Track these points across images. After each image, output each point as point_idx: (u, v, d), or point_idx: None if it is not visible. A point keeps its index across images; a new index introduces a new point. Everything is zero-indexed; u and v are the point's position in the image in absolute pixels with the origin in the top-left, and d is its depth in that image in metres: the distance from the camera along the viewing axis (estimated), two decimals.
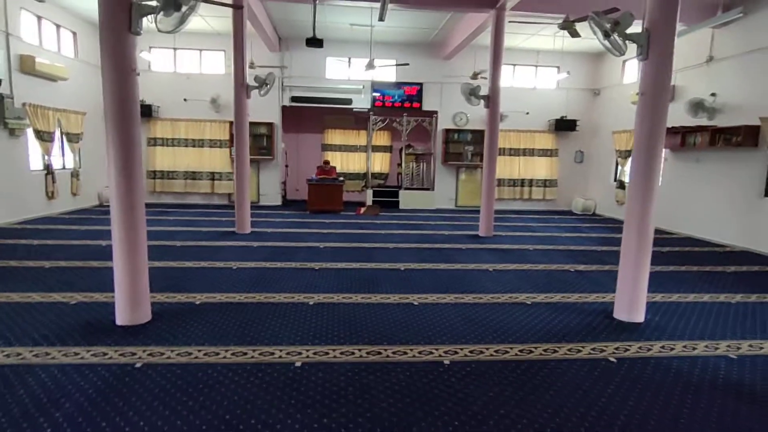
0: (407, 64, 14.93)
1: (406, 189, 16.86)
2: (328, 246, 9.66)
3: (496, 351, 4.73)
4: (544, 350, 4.79)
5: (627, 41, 5.61)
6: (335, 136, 18.34)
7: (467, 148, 16.74)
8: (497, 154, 11.45)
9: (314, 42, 11.67)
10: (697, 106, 11.50)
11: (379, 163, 18.42)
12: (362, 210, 15.23)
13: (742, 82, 10.73)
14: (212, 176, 16.18)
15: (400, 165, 17.34)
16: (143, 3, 4.94)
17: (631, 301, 5.72)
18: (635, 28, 5.46)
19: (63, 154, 13.52)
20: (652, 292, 6.71)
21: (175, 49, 15.57)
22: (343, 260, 8.45)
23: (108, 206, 5.15)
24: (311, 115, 17.68)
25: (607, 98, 16.23)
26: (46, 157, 12.33)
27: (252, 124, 12.73)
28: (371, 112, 16.42)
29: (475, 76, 15.12)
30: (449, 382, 4.05)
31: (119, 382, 3.90)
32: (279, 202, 16.62)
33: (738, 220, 10.78)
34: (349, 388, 3.92)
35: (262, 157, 16.07)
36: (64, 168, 13.50)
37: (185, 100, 15.59)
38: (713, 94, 11.42)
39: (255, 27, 12.53)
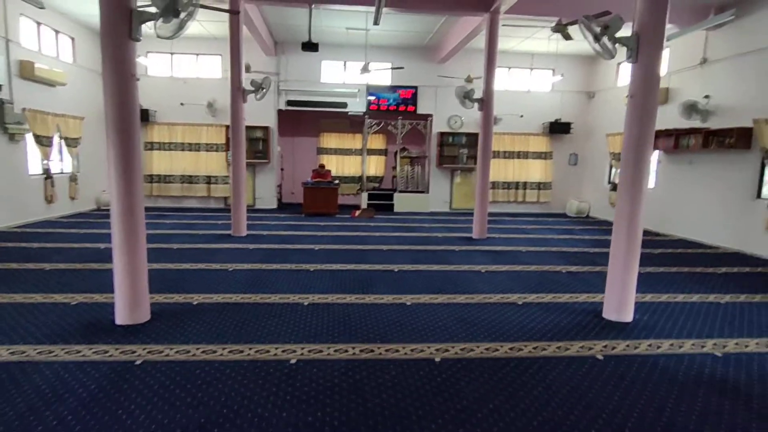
0: (402, 68, 15.07)
1: (401, 192, 16.97)
2: (323, 248, 9.77)
3: (486, 349, 4.85)
4: (534, 348, 4.91)
5: (617, 45, 5.73)
6: (331, 140, 18.46)
7: (462, 151, 16.86)
8: (491, 156, 11.55)
9: (310, 46, 11.79)
10: (691, 108, 11.63)
11: (374, 166, 18.52)
12: (357, 213, 15.33)
13: (735, 85, 10.87)
14: (208, 180, 16.28)
15: (395, 168, 17.45)
16: (143, 10, 5.05)
17: (620, 301, 5.84)
18: (625, 31, 5.58)
19: (62, 159, 13.59)
20: (642, 292, 6.88)
21: (171, 53, 15.68)
22: (337, 262, 8.57)
23: (106, 210, 5.28)
24: (307, 118, 17.78)
25: (601, 101, 16.37)
26: (45, 162, 12.41)
27: (248, 127, 12.91)
28: (366, 116, 16.53)
29: (469, 79, 15.22)
30: (440, 379, 4.17)
31: (120, 378, 4.01)
32: (275, 206, 16.73)
33: (730, 222, 10.91)
34: (343, 384, 4.03)
35: (258, 161, 16.18)
36: (62, 172, 13.57)
37: (182, 104, 15.69)
38: (707, 96, 11.56)
39: (251, 31, 12.65)
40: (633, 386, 4.11)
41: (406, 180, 17.26)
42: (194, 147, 16.08)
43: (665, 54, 12.69)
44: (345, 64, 16.52)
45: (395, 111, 16.63)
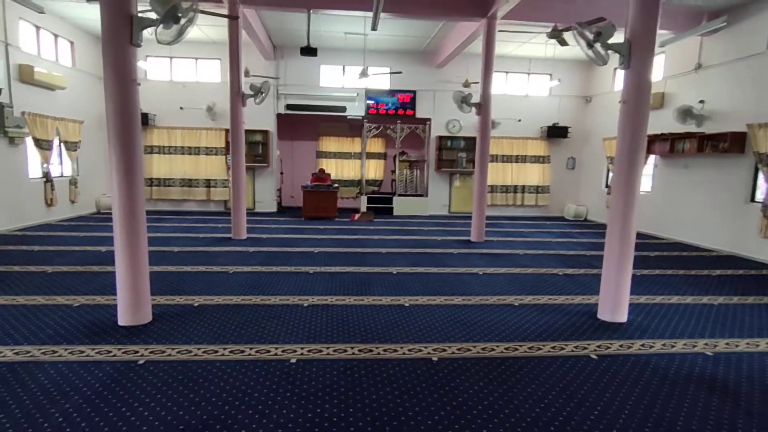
0: (400, 72, 15.18)
1: (400, 195, 17.05)
2: (323, 251, 9.85)
3: (482, 348, 4.94)
4: (529, 348, 5.01)
5: (609, 51, 5.83)
6: (330, 144, 18.55)
7: (460, 155, 16.95)
8: (489, 160, 11.65)
9: (308, 51, 11.88)
10: (686, 113, 11.73)
11: (374, 169, 18.62)
12: (356, 216, 15.41)
13: (730, 90, 10.99)
14: (208, 183, 16.36)
15: (393, 172, 17.52)
16: (144, 16, 5.15)
17: (614, 303, 5.94)
18: (618, 38, 5.67)
19: (61, 162, 13.68)
20: (637, 294, 6.99)
21: (171, 57, 15.79)
22: (336, 264, 8.66)
23: (106, 213, 5.36)
24: (306, 122, 17.87)
25: (598, 105, 16.49)
26: (45, 165, 12.49)
27: (247, 131, 12.97)
28: (365, 120, 16.63)
29: (467, 84, 15.32)
30: (437, 377, 4.26)
31: (123, 377, 4.10)
32: (274, 209, 16.81)
33: (725, 225, 11.02)
34: (342, 382, 4.12)
35: (258, 165, 16.28)
36: (62, 176, 13.66)
37: (181, 108, 15.79)
38: (701, 102, 11.67)
39: (250, 36, 12.74)
40: (624, 384, 4.21)
41: (405, 183, 17.36)
42: (194, 151, 16.17)
43: (661, 59, 12.87)
44: (344, 69, 16.60)
45: (394, 115, 16.73)
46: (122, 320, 5.37)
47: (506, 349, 4.97)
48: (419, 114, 16.85)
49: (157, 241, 10.20)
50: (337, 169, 18.42)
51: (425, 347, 4.94)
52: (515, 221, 15.92)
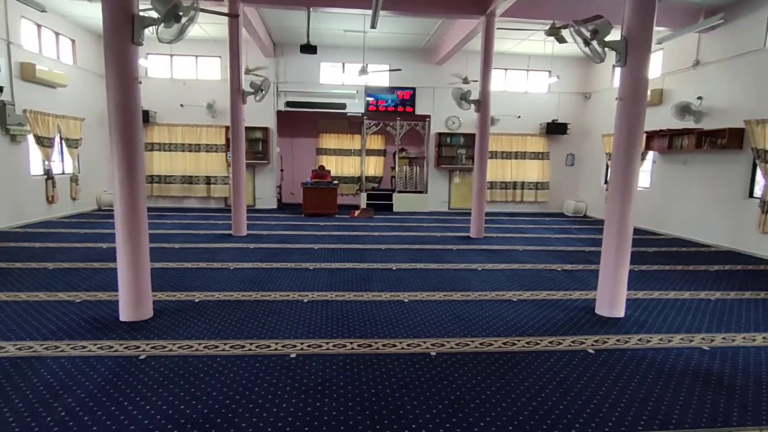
0: (400, 70, 15.19)
1: (400, 192, 17.09)
2: (323, 247, 9.90)
3: (481, 343, 4.99)
4: (527, 343, 5.06)
5: (606, 48, 5.86)
6: (330, 140, 18.58)
7: (460, 152, 16.99)
8: (488, 157, 11.70)
9: (308, 48, 11.91)
10: (684, 110, 11.76)
11: (373, 166, 18.66)
12: (356, 213, 15.45)
13: (728, 86, 11.03)
14: (208, 180, 16.39)
15: (393, 168, 17.55)
16: (145, 15, 5.19)
17: (612, 298, 5.98)
18: (615, 35, 5.70)
19: (62, 160, 13.73)
20: (635, 289, 7.04)
21: (171, 55, 15.80)
22: (336, 261, 8.71)
23: (107, 210, 5.40)
24: (306, 119, 17.89)
25: (597, 102, 16.52)
26: (46, 163, 12.54)
27: (248, 128, 13.04)
28: (365, 117, 16.66)
29: (466, 80, 15.35)
30: (435, 371, 4.31)
31: (125, 372, 4.15)
32: (274, 206, 16.86)
33: (723, 220, 11.06)
34: (341, 377, 4.17)
35: (258, 162, 16.31)
36: (63, 173, 13.70)
37: (182, 105, 15.82)
38: (700, 98, 11.71)
39: (250, 33, 12.77)
40: (621, 378, 4.26)
41: (405, 180, 17.39)
42: (194, 148, 16.20)
43: (659, 56, 12.90)
44: (343, 66, 16.64)
45: (393, 112, 16.76)
46: (124, 316, 5.42)
47: (504, 343, 5.02)
48: (419, 111, 16.88)
49: (157, 237, 10.24)
50: (337, 166, 18.45)
51: (424, 342, 4.99)
52: (514, 217, 15.96)
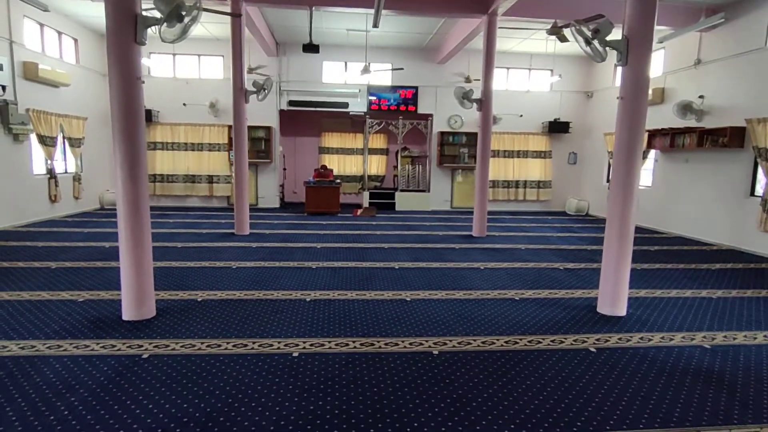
0: (402, 69, 15.20)
1: (402, 191, 17.12)
2: (325, 246, 9.92)
3: (483, 342, 5.00)
4: (529, 341, 5.07)
5: (607, 48, 5.87)
6: (332, 139, 18.61)
7: (462, 150, 16.99)
8: (490, 156, 11.70)
9: (311, 48, 11.92)
10: (686, 108, 11.76)
11: (376, 165, 18.67)
12: (359, 212, 15.46)
13: (729, 85, 11.02)
14: (211, 179, 16.42)
15: (396, 167, 17.58)
16: (148, 15, 5.20)
17: (614, 296, 5.99)
18: (616, 34, 5.71)
19: (65, 159, 13.76)
20: (637, 288, 7.04)
21: (174, 54, 15.83)
22: (339, 259, 8.73)
23: (109, 209, 5.42)
24: (308, 118, 17.92)
25: (599, 100, 16.51)
26: (49, 162, 12.56)
27: (250, 127, 13.05)
28: (367, 116, 16.67)
29: (468, 79, 15.35)
30: (437, 370, 4.32)
31: (128, 371, 4.16)
32: (277, 205, 16.88)
33: (725, 219, 11.06)
34: (343, 375, 4.18)
35: (261, 161, 16.32)
36: (66, 172, 13.74)
37: (184, 104, 15.84)
38: (701, 97, 11.70)
39: (253, 33, 12.80)
40: (623, 376, 4.26)
41: (407, 179, 17.39)
42: (197, 147, 16.23)
43: (660, 55, 12.89)
44: (346, 65, 16.65)
45: (396, 111, 16.78)
46: (126, 315, 5.44)
47: (506, 342, 5.03)
48: (421, 110, 16.88)
49: (160, 236, 10.27)
50: (340, 165, 18.49)
51: (426, 341, 5.00)
52: (517, 216, 15.97)
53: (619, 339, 5.18)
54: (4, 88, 10.65)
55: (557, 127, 16.84)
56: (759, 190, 10.38)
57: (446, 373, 4.25)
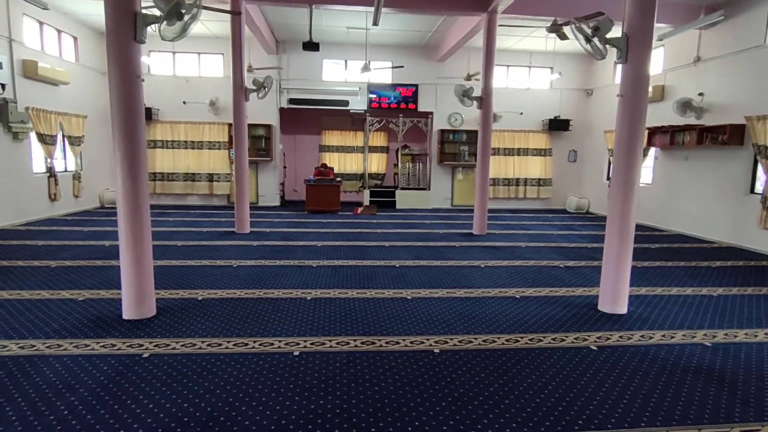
0: (402, 66, 15.20)
1: (403, 189, 17.11)
2: (326, 245, 9.92)
3: (484, 340, 5.00)
4: (530, 340, 5.06)
5: (607, 45, 5.86)
6: (332, 138, 18.61)
7: (462, 148, 16.99)
8: (490, 153, 11.68)
9: (311, 46, 11.93)
10: (686, 106, 11.76)
11: (376, 163, 18.67)
12: (359, 210, 15.47)
13: (728, 83, 11.01)
14: (211, 178, 16.41)
15: (396, 165, 17.59)
16: (147, 13, 5.19)
17: (614, 294, 5.99)
18: (616, 32, 5.69)
19: (65, 157, 13.75)
20: (638, 286, 7.05)
21: (174, 52, 15.82)
22: (340, 258, 8.72)
23: (109, 208, 5.41)
24: (309, 116, 17.93)
25: (599, 98, 16.49)
26: (49, 160, 12.56)
27: (250, 125, 13.03)
28: (368, 114, 16.67)
29: (468, 77, 15.35)
30: (438, 368, 4.31)
31: (128, 370, 4.15)
32: (277, 203, 16.88)
33: (725, 216, 11.05)
34: (344, 374, 4.18)
35: (261, 159, 16.32)
36: (65, 170, 13.73)
37: (184, 102, 15.82)
38: (701, 94, 11.70)
39: (253, 31, 12.78)
40: (624, 374, 4.26)
41: (408, 177, 17.38)
42: (197, 145, 16.22)
43: (660, 52, 12.88)
44: (346, 63, 16.64)
45: (396, 109, 16.76)
46: (127, 314, 5.43)
47: (507, 340, 5.02)
48: (421, 108, 16.88)
49: (160, 235, 10.27)
50: (340, 163, 18.50)
51: (427, 339, 4.99)
52: (517, 214, 15.97)
53: (620, 337, 5.17)
54: (3, 86, 10.65)
55: (557, 125, 16.83)
56: (759, 187, 10.38)
57: (447, 372, 4.25)
